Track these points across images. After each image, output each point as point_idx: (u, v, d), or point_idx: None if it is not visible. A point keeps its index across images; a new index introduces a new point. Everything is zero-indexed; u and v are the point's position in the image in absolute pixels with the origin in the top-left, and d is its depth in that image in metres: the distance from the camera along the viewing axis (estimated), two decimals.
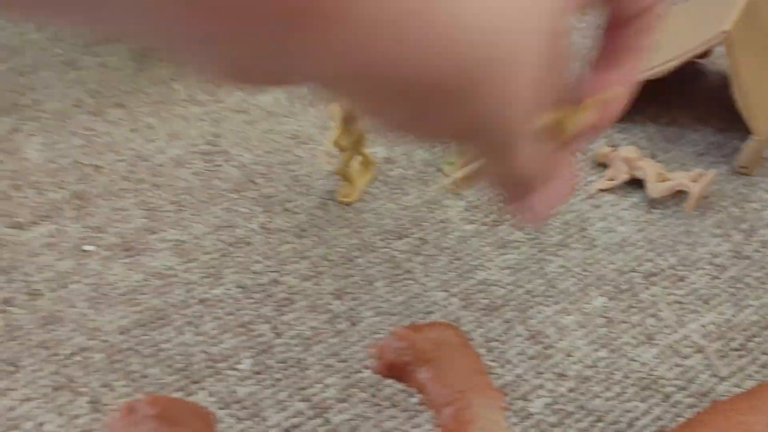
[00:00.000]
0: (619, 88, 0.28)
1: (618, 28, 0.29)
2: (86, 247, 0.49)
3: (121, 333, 0.44)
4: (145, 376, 0.41)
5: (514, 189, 0.27)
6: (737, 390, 0.41)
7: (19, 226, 0.51)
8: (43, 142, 0.57)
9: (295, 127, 0.59)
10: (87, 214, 0.52)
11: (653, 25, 0.29)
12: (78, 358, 0.42)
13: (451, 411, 0.28)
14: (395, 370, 0.30)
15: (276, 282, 0.47)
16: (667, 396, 0.41)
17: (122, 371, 0.42)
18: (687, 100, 0.64)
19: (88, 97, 0.61)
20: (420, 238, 0.50)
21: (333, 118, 0.47)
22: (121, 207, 0.52)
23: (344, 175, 0.51)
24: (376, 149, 0.56)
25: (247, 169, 0.55)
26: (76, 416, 0.39)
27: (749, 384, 0.41)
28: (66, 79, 0.63)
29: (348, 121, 0.48)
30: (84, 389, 0.41)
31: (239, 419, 0.39)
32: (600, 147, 0.57)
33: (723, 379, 0.42)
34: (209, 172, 0.55)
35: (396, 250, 0.49)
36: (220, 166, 0.55)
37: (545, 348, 0.43)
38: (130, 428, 0.27)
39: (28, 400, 0.40)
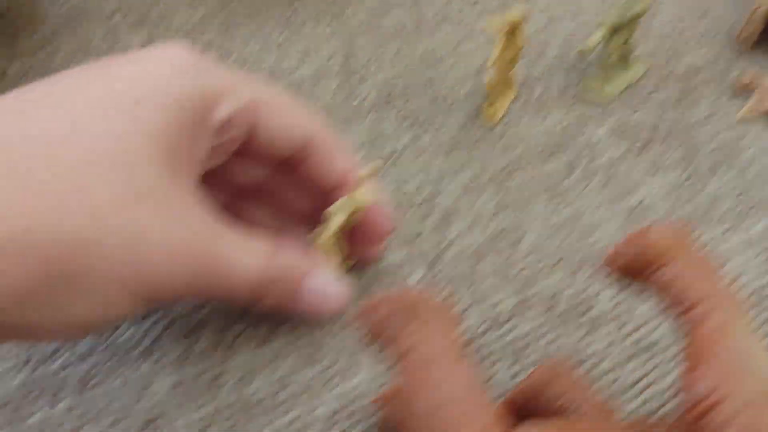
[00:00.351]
0: (366, 169, 0.36)
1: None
2: None
3: None
4: None
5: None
6: None
7: None
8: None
9: (428, 46, 0.58)
10: None
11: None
12: None
13: (703, 311, 0.27)
14: (633, 271, 0.30)
15: (434, 196, 0.47)
16: None
17: None
18: None
19: (215, 14, 0.60)
20: (568, 162, 0.49)
21: (497, 30, 0.46)
22: None
23: (493, 93, 0.50)
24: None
25: (386, 87, 0.54)
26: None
27: None
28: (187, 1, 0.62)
29: (510, 35, 0.47)
30: None
31: None
32: (740, 74, 0.55)
33: None
34: (347, 91, 0.54)
35: (546, 171, 0.49)
36: (356, 85, 0.55)
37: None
38: (377, 323, 0.28)
39: None
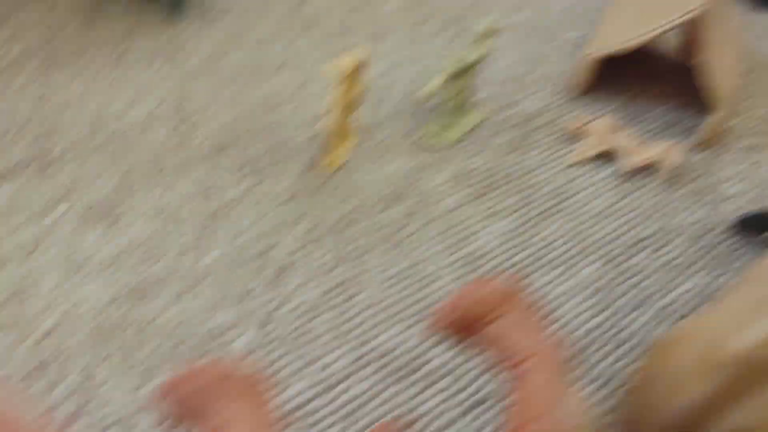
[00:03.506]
0: None
1: None
2: (54, 212, 0.45)
3: (100, 312, 0.40)
4: (132, 357, 0.38)
5: None
6: None
7: None
8: None
9: (267, 90, 0.56)
10: (49, 177, 0.47)
11: None
12: (53, 339, 0.38)
13: (527, 368, 0.27)
14: (464, 326, 0.29)
15: (270, 249, 0.45)
16: None
17: (108, 350, 0.38)
18: (648, 77, 0.66)
19: (34, 52, 0.56)
20: (406, 211, 0.49)
21: (337, 77, 0.45)
22: (90, 170, 0.48)
23: (332, 139, 0.49)
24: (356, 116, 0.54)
25: (221, 133, 0.52)
26: (61, 403, 0.36)
27: None
28: (4, 36, 0.57)
29: (350, 80, 0.46)
30: (65, 372, 0.37)
31: None
32: (571, 119, 0.57)
33: None
34: (179, 137, 0.51)
35: (385, 221, 0.48)
36: (190, 131, 0.52)
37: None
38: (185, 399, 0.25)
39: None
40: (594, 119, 0.57)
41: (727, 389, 0.19)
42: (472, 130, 0.55)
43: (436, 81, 0.52)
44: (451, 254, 0.46)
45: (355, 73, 0.46)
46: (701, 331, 0.24)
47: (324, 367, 0.39)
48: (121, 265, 0.42)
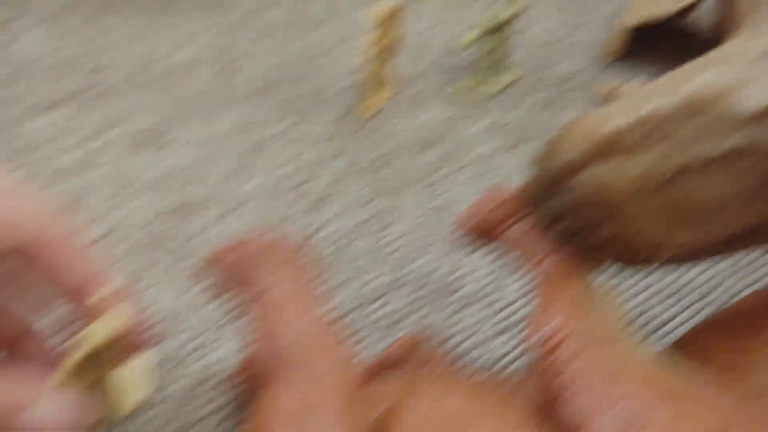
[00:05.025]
0: (105, 288, 0.27)
1: None
2: (103, 137, 0.46)
3: (145, 225, 0.42)
4: (177, 266, 0.39)
5: None
6: None
7: (35, 112, 0.47)
8: (46, 33, 0.54)
9: (310, 41, 0.58)
10: (99, 106, 0.49)
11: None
12: (104, 243, 0.40)
13: (551, 263, 0.28)
14: (486, 230, 0.30)
15: (305, 183, 0.46)
16: None
17: (153, 259, 0.40)
18: (681, 52, 0.67)
19: None
20: (441, 155, 0.50)
21: (372, 21, 0.46)
22: (137, 101, 0.50)
23: (370, 86, 0.51)
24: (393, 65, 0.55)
25: (266, 75, 0.54)
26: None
27: None
28: None
29: (386, 26, 0.47)
30: (115, 274, 0.38)
31: None
32: (603, 84, 0.59)
33: None
34: (222, 79, 0.53)
35: (419, 163, 0.49)
36: (232, 74, 0.53)
37: None
38: (235, 266, 0.26)
39: None
40: (625, 84, 0.58)
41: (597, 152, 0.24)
42: (507, 87, 0.57)
43: (471, 35, 0.53)
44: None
45: (390, 20, 0.48)
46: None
47: (361, 286, 0.40)
48: (166, 186, 0.44)
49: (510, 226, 0.29)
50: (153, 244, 0.40)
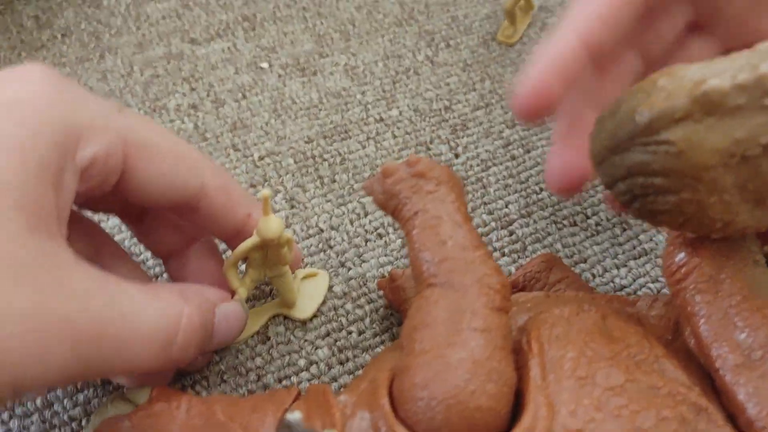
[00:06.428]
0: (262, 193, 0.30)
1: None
2: (262, 65, 0.51)
3: (307, 142, 0.46)
4: (334, 181, 0.44)
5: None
6: None
7: (195, 42, 0.52)
8: None
9: None
10: (257, 35, 0.53)
11: None
12: (268, 160, 0.45)
13: None
14: None
15: (448, 109, 0.48)
16: None
17: (312, 175, 0.44)
18: None
19: None
20: None
21: None
22: (290, 31, 0.54)
23: (511, 15, 0.52)
24: None
25: (406, 6, 0.56)
26: (276, 211, 0.42)
27: None
28: None
29: None
30: (279, 188, 0.43)
31: None
32: None
33: None
34: (370, 6, 0.55)
35: None
36: (378, 6, 0.56)
37: None
38: (389, 187, 0.29)
39: None
40: None
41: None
42: None
43: None
44: None
45: None
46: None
47: (499, 209, 0.43)
48: (318, 111, 0.48)
49: None
50: (309, 163, 0.45)
